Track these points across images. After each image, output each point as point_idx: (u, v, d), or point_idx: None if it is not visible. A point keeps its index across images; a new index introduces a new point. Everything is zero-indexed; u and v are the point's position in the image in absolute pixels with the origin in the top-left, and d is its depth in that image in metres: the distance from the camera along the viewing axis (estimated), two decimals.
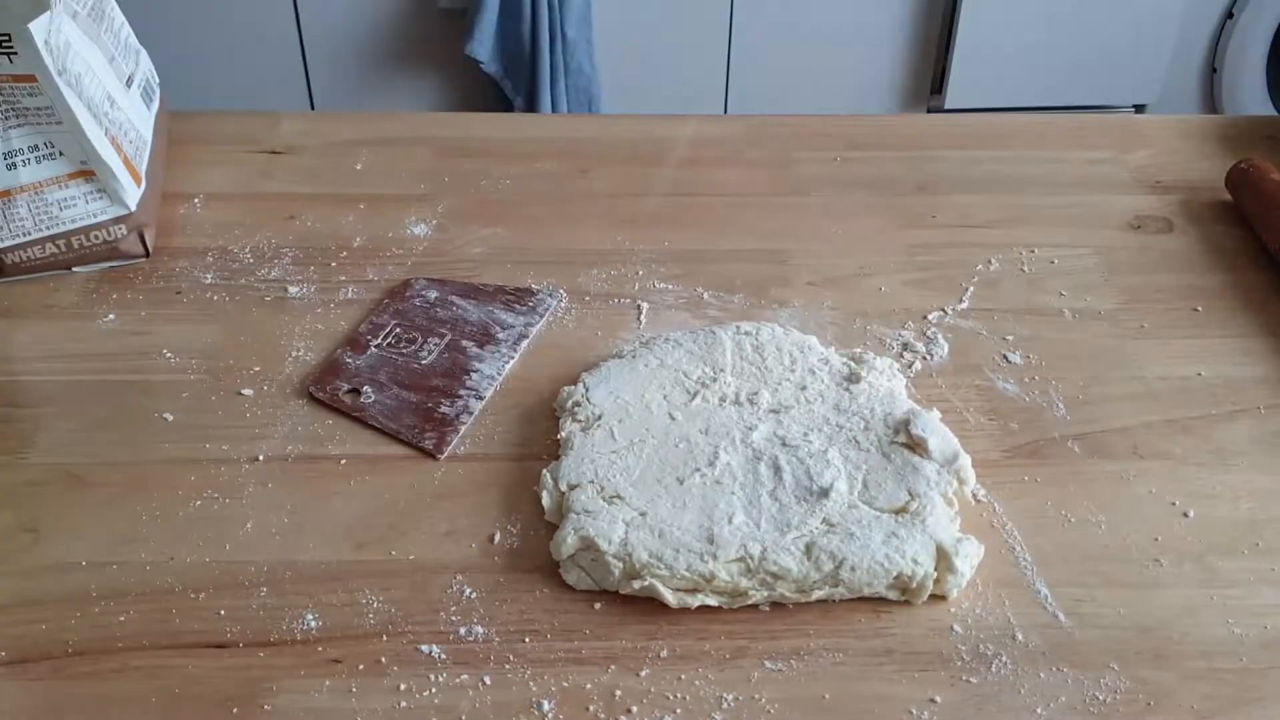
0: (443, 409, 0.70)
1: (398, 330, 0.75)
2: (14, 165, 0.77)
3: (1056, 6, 2.02)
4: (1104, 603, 0.59)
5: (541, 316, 0.77)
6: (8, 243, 0.78)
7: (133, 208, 0.81)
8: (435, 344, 0.74)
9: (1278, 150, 0.95)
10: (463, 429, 0.69)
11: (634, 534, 0.60)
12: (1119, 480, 0.66)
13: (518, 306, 0.78)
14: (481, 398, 0.71)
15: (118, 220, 0.80)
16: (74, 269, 0.81)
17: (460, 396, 0.71)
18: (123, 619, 0.58)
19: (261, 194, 0.89)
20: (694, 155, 0.93)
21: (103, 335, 0.76)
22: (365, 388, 0.71)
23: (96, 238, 0.80)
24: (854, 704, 0.55)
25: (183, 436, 0.69)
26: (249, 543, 0.62)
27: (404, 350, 0.74)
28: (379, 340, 0.74)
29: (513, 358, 0.74)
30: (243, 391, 0.72)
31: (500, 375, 0.73)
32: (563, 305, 0.78)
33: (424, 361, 0.73)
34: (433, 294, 0.78)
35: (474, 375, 0.73)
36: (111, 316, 0.78)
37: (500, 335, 0.76)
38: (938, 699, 0.55)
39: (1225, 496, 0.65)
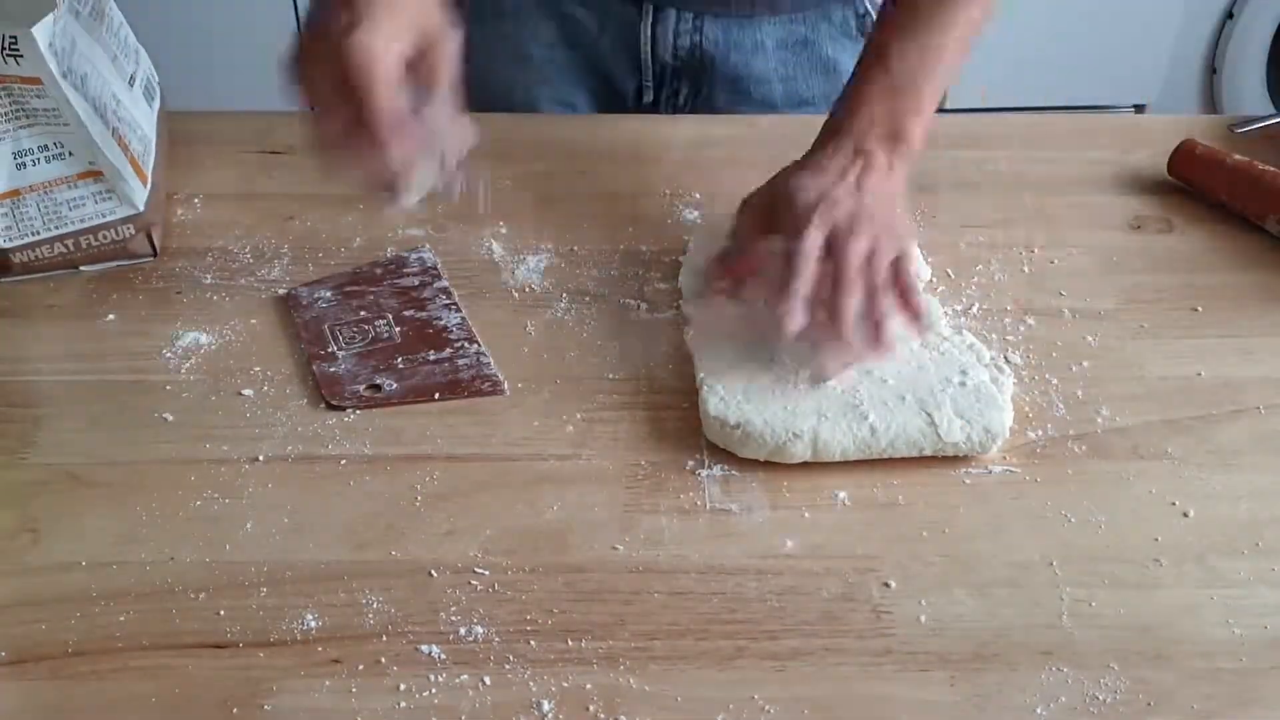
0: (460, 361, 0.73)
1: (339, 330, 0.76)
2: (23, 165, 0.77)
3: (1056, 6, 2.02)
4: (1104, 603, 0.60)
5: (434, 269, 0.81)
6: (17, 242, 0.79)
7: (141, 207, 0.81)
8: (384, 324, 0.76)
9: (1278, 150, 0.95)
10: (492, 365, 0.73)
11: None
12: (1119, 480, 0.66)
13: (405, 271, 0.81)
14: (475, 340, 0.75)
15: (126, 220, 0.80)
16: (81, 268, 0.81)
17: (459, 346, 0.74)
18: (123, 619, 0.58)
19: (261, 194, 0.89)
20: (694, 155, 0.93)
21: (103, 335, 0.76)
22: (376, 380, 0.72)
23: (105, 237, 0.80)
24: (854, 704, 0.55)
25: (183, 436, 0.69)
26: (249, 543, 0.62)
27: (367, 342, 0.75)
28: (335, 346, 0.74)
29: (455, 301, 0.78)
30: (243, 391, 0.72)
31: (466, 317, 0.77)
32: (433, 257, 0.82)
33: (394, 340, 0.75)
34: (326, 292, 0.79)
35: (450, 328, 0.76)
36: (111, 316, 0.78)
37: (424, 294, 0.78)
38: (938, 699, 0.55)
39: (1225, 496, 0.65)
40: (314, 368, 0.73)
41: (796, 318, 0.66)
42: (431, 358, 0.73)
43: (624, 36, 0.99)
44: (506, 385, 0.72)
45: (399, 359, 0.73)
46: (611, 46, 1.00)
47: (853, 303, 0.67)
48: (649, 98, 1.02)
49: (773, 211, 0.73)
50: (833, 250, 0.69)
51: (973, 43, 0.82)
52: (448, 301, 0.78)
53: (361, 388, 0.71)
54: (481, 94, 1.13)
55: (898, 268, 0.70)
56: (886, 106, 0.75)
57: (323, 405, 0.70)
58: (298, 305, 0.78)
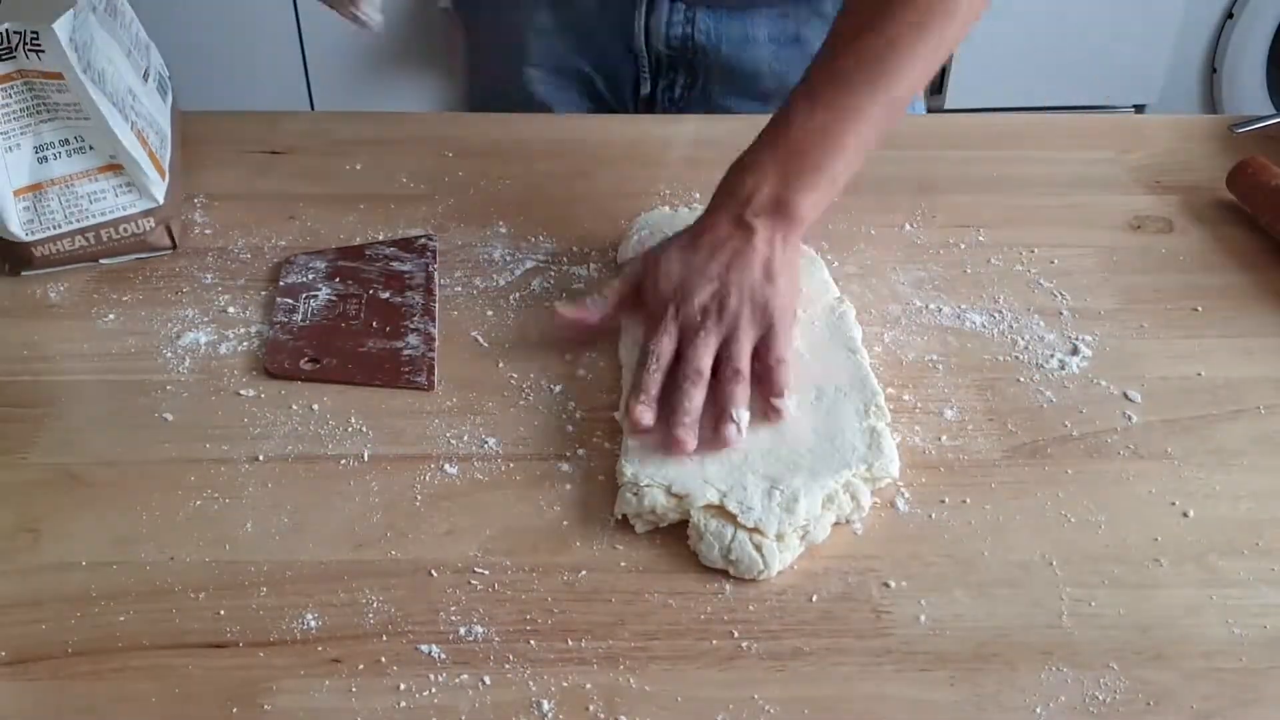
0: (406, 352, 0.74)
1: (310, 300, 0.77)
2: (45, 159, 0.78)
3: (1056, 6, 2.02)
4: (1104, 603, 0.60)
5: (432, 257, 0.82)
6: (39, 235, 0.79)
7: (160, 200, 0.81)
8: (354, 302, 0.77)
9: (1278, 150, 0.95)
10: (435, 360, 0.73)
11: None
12: (1119, 480, 0.66)
13: (404, 254, 0.82)
14: (432, 332, 0.75)
15: (146, 213, 0.81)
16: (101, 261, 0.81)
17: (409, 336, 0.75)
18: (123, 619, 0.58)
19: (261, 194, 0.89)
20: (694, 155, 0.93)
21: (103, 335, 0.76)
22: (317, 355, 0.73)
23: (125, 230, 0.81)
24: (854, 704, 0.55)
25: (183, 436, 0.69)
26: (249, 543, 0.62)
27: (329, 316, 0.76)
28: (298, 316, 0.76)
29: (434, 291, 0.79)
30: (242, 392, 0.72)
31: (436, 309, 0.77)
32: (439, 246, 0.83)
33: (352, 319, 0.76)
34: (321, 263, 0.81)
35: (413, 316, 0.76)
36: (111, 316, 0.78)
37: (414, 280, 0.79)
38: (938, 699, 0.55)
39: (1225, 496, 0.65)
40: (270, 332, 0.74)
41: (643, 418, 0.65)
42: (376, 345, 0.74)
43: (620, 26, 1.00)
44: (439, 383, 0.72)
45: (348, 338, 0.74)
46: (608, 36, 1.01)
47: (688, 404, 0.65)
48: (646, 89, 1.03)
49: (642, 285, 0.72)
50: (680, 348, 0.68)
51: (906, 103, 0.73)
52: (428, 290, 0.79)
53: (303, 358, 0.73)
54: (479, 83, 1.14)
55: (765, 347, 0.68)
56: (780, 173, 0.70)
57: (264, 373, 0.71)
58: (290, 270, 0.79)
